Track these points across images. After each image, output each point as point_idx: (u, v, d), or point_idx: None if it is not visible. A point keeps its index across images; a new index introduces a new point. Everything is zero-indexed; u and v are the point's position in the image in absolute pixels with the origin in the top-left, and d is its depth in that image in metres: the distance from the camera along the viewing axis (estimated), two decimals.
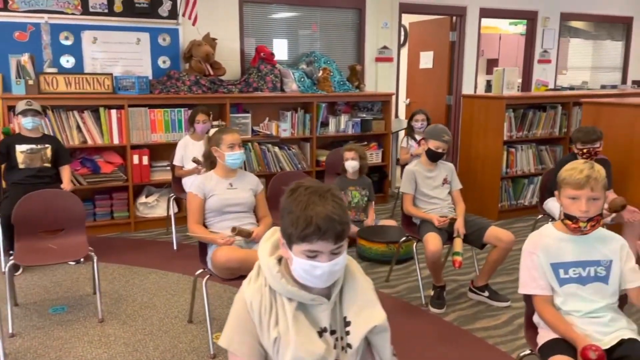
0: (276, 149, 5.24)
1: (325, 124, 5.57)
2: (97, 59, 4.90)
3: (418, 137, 5.09)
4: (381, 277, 3.74)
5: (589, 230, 1.94)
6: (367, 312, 1.40)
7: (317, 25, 5.93)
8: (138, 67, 5.03)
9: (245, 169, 5.04)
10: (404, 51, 8.01)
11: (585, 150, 3.61)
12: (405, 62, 7.82)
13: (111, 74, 4.64)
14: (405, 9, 6.32)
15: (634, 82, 7.71)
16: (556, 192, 2.03)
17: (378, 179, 5.81)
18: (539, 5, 7.08)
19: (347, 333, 1.40)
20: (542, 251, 1.97)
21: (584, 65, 8.40)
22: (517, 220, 5.14)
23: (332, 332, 1.39)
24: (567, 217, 1.94)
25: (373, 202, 4.54)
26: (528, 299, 2.06)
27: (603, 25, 7.91)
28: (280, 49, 5.75)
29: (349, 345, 1.39)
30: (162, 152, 4.80)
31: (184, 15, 5.00)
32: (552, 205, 3.83)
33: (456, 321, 3.10)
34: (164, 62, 5.14)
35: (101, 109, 4.57)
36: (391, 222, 4.46)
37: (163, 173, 4.79)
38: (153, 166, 4.81)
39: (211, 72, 5.05)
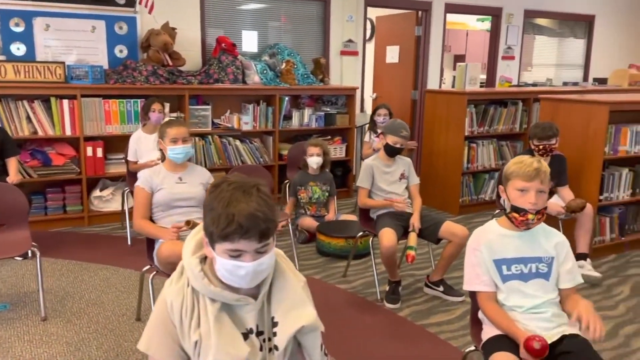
0: (237, 142, 5.14)
1: (288, 118, 5.50)
2: (49, 47, 4.71)
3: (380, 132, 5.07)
4: (339, 272, 3.70)
5: (535, 224, 1.93)
6: (295, 312, 1.35)
7: (281, 16, 5.84)
8: (93, 56, 4.86)
9: (205, 163, 4.98)
10: (371, 45, 8.00)
11: (541, 147, 3.63)
12: (372, 56, 7.81)
13: (63, 63, 4.47)
14: (370, 2, 6.28)
15: (595, 79, 7.85)
16: (501, 187, 2.01)
17: (342, 174, 5.78)
18: (503, 1, 7.13)
19: (275, 334, 1.34)
20: (485, 247, 1.96)
21: (548, 63, 8.51)
22: (477, 215, 5.17)
23: (259, 334, 1.34)
24: (515, 209, 1.92)
25: (334, 197, 4.51)
26: (473, 295, 2.04)
27: (566, 22, 8.03)
28: (243, 41, 5.65)
29: (275, 347, 1.34)
30: (118, 144, 4.65)
31: (140, 3, 4.85)
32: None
33: (410, 316, 3.09)
34: (120, 52, 4.98)
35: (52, 99, 4.40)
36: (352, 217, 4.43)
37: (118, 166, 4.65)
38: (108, 159, 4.66)
39: (170, 63, 4.92)
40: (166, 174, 2.76)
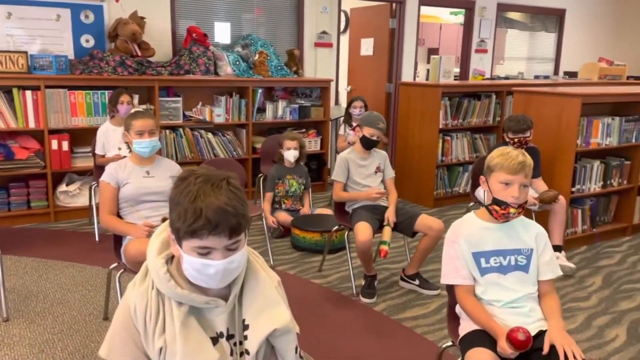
0: (210, 135, 5.03)
1: (262, 110, 5.40)
2: (12, 36, 4.51)
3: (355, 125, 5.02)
4: (314, 267, 3.65)
5: (515, 217, 1.91)
6: (267, 314, 1.28)
7: (255, 7, 5.73)
8: (58, 45, 4.68)
9: (177, 157, 4.86)
10: (346, 37, 7.94)
11: (516, 140, 3.64)
12: (346, 49, 7.75)
13: (26, 52, 4.28)
14: None
15: (565, 73, 7.96)
16: (482, 178, 1.98)
17: (317, 167, 5.72)
18: None
19: (246, 337, 1.27)
20: (464, 240, 1.93)
21: (520, 56, 8.60)
22: (452, 208, 5.18)
23: (230, 337, 1.26)
24: (497, 202, 1.90)
25: (309, 191, 4.45)
26: (451, 289, 2.01)
27: (538, 16, 8.11)
28: (215, 31, 5.52)
29: (246, 351, 1.27)
30: (85, 137, 4.49)
31: None
32: (481, 192, 3.85)
33: (386, 311, 3.06)
34: (87, 41, 4.80)
35: (14, 90, 4.21)
36: (327, 211, 4.38)
37: (85, 160, 4.50)
38: (74, 152, 4.50)
39: (139, 53, 4.77)
40: (133, 168, 2.65)
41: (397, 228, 3.26)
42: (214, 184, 1.16)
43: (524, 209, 1.92)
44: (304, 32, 6.01)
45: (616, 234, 4.39)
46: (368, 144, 3.34)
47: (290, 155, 4.28)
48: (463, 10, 7.44)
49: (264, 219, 3.67)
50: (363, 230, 3.03)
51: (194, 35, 5.02)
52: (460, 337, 1.91)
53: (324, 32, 6.11)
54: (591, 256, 3.98)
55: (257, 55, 5.33)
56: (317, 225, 3.95)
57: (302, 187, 4.38)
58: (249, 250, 1.34)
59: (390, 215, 3.22)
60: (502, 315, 1.86)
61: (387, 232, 3.13)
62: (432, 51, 9.76)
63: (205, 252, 1.17)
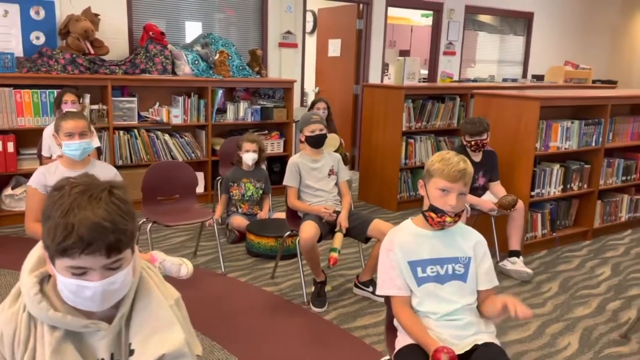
0: (167, 136, 4.87)
1: (222, 111, 5.26)
2: None
3: None
4: (268, 274, 3.53)
5: (450, 225, 1.82)
6: (157, 338, 1.15)
7: (218, 6, 5.59)
8: (5, 42, 4.48)
9: (131, 159, 4.69)
10: (314, 38, 7.85)
11: (473, 142, 3.58)
12: (314, 49, 7.65)
13: None
14: None
15: (533, 76, 7.98)
16: (421, 182, 1.89)
17: (279, 170, 5.59)
18: None
19: None
20: (400, 248, 1.83)
21: (491, 59, 8.61)
22: (416, 212, 5.00)
23: None
24: (433, 209, 1.81)
25: (269, 195, 4.33)
26: (388, 300, 1.91)
27: (507, 19, 8.12)
28: (174, 29, 5.37)
29: None
30: (32, 138, 4.28)
31: None
32: None
33: (336, 320, 2.95)
34: (37, 39, 4.60)
35: None
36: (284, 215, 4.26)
37: (33, 162, 4.28)
38: (21, 154, 4.30)
39: (91, 51, 4.59)
40: (63, 172, 2.49)
41: (350, 234, 3.16)
42: (92, 195, 1.04)
43: (460, 217, 1.84)
44: (268, 32, 5.89)
45: (577, 238, 4.36)
46: (316, 141, 3.24)
47: (249, 158, 4.16)
48: (432, 12, 7.39)
49: (215, 224, 3.53)
50: (307, 228, 2.93)
51: (150, 33, 4.86)
52: (395, 351, 1.81)
53: (289, 32, 6.00)
54: (550, 261, 3.93)
55: (217, 55, 5.19)
56: (273, 231, 3.83)
57: (260, 191, 4.26)
58: (143, 265, 1.21)
59: (342, 221, 3.11)
60: (438, 329, 1.76)
61: (338, 238, 3.03)
62: (404, 53, 9.75)
63: (80, 273, 1.04)
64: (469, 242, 1.88)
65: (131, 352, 1.14)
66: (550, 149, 3.95)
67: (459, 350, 1.69)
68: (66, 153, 2.49)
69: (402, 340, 1.81)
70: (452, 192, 1.77)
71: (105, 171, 2.60)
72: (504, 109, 3.92)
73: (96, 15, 4.69)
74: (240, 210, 4.22)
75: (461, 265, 1.84)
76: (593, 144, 4.18)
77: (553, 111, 4.10)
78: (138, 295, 1.17)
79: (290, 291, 3.29)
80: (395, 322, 1.91)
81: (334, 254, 2.89)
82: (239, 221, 4.08)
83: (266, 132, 5.50)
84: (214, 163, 5.08)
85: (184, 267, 2.32)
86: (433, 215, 1.81)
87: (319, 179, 3.28)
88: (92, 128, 3.92)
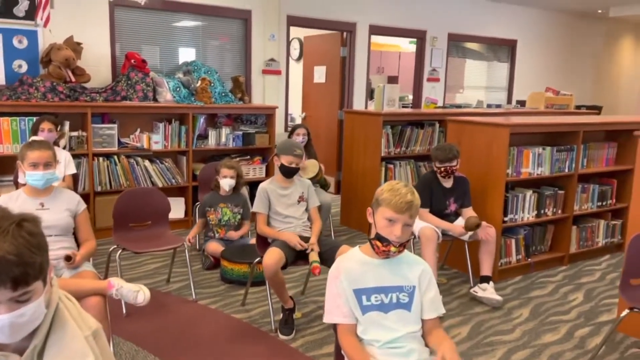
0: (147, 162, 4.91)
1: (204, 137, 5.31)
2: None
3: None
4: (239, 301, 3.52)
5: (395, 255, 1.85)
6: None
7: (202, 34, 5.71)
8: None
9: (111, 185, 4.71)
10: (301, 65, 7.97)
11: (442, 169, 3.62)
12: (300, 76, 7.77)
13: None
14: (293, 22, 6.23)
15: (517, 101, 8.08)
16: (369, 209, 1.92)
17: None
18: (427, 25, 7.26)
19: None
20: (346, 276, 1.85)
21: (478, 85, 8.73)
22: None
23: None
24: (379, 238, 1.83)
25: (248, 220, 4.34)
26: (335, 327, 1.92)
27: (492, 46, 8.26)
28: (158, 57, 5.46)
29: None
30: (10, 164, 4.30)
31: (36, 16, 4.59)
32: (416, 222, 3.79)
33: (302, 347, 2.94)
34: (19, 67, 4.68)
35: None
36: None
37: (10, 188, 4.29)
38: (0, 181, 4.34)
39: (72, 79, 4.67)
40: (25, 199, 2.52)
41: (319, 259, 3.16)
42: (0, 228, 1.06)
43: (405, 247, 1.86)
44: (252, 59, 5.99)
45: (553, 264, 4.37)
46: (287, 173, 3.27)
47: (225, 183, 4.20)
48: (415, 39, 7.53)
49: (186, 250, 3.53)
50: (270, 254, 2.94)
51: (132, 61, 4.94)
52: None
53: (272, 60, 6.10)
54: (524, 286, 3.93)
55: (199, 82, 5.26)
56: (246, 257, 3.82)
57: (238, 216, 4.28)
58: (61, 296, 1.23)
59: (313, 243, 3.12)
60: (381, 357, 1.77)
61: (313, 254, 3.03)
62: (392, 79, 9.90)
63: None
64: (415, 271, 1.89)
65: None
66: (522, 174, 3.99)
67: None
68: (29, 182, 2.51)
69: None
70: (398, 223, 1.79)
71: (68, 199, 2.62)
72: (476, 136, 3.97)
73: (78, 44, 4.78)
74: (217, 235, 4.23)
75: (405, 294, 1.86)
76: (566, 169, 4.22)
77: (526, 137, 4.16)
78: (53, 327, 1.18)
79: (260, 318, 3.28)
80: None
81: (316, 264, 2.91)
82: (214, 247, 4.09)
83: (248, 157, 5.54)
84: (194, 189, 5.11)
85: (141, 294, 2.33)
86: (379, 243, 1.83)
87: (288, 205, 3.30)
88: (67, 155, 3.99)
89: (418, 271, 1.89)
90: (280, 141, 3.47)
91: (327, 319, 1.88)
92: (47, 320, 1.17)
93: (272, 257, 2.92)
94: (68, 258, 2.44)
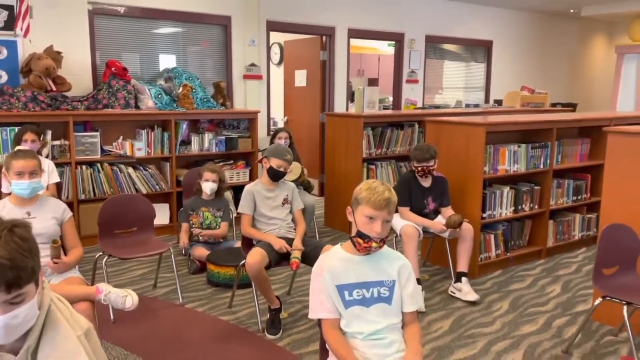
0: (130, 169, 4.93)
1: (187, 143, 5.35)
2: None
3: None
4: (226, 303, 3.57)
5: (375, 250, 1.93)
6: None
7: (182, 41, 5.75)
8: None
9: (94, 193, 4.72)
10: (282, 69, 8.04)
11: (420, 168, 3.72)
12: (282, 80, 7.84)
13: None
14: (272, 27, 6.30)
15: (495, 100, 8.25)
16: (349, 208, 2.00)
17: None
18: (404, 27, 7.39)
19: None
20: (329, 273, 1.92)
21: (458, 85, 8.88)
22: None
23: None
24: (360, 235, 1.91)
25: (227, 222, 4.39)
26: (320, 323, 1.99)
27: (469, 47, 8.42)
28: (139, 64, 5.49)
29: None
30: None
31: (15, 26, 4.59)
32: (395, 221, 3.88)
33: (289, 345, 3.00)
34: None
35: None
36: None
37: None
38: None
39: (53, 88, 4.68)
40: (12, 209, 2.55)
41: (303, 259, 3.23)
42: None
43: (384, 243, 1.94)
44: (233, 65, 6.05)
45: (531, 257, 4.49)
46: (275, 176, 3.34)
47: (207, 187, 4.25)
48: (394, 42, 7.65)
49: (172, 255, 3.57)
50: (253, 255, 3.01)
51: (113, 69, 4.96)
52: None
53: (253, 65, 6.16)
54: (504, 280, 4.04)
55: (181, 88, 5.30)
56: (232, 260, 3.87)
57: (220, 219, 4.33)
58: (53, 297, 1.28)
59: (297, 244, 3.19)
60: (363, 348, 1.85)
61: (296, 252, 3.10)
62: (372, 81, 10.01)
63: None
64: (394, 266, 1.97)
65: None
66: (499, 172, 4.11)
67: None
68: (15, 192, 2.54)
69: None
70: (378, 220, 1.88)
71: (54, 207, 2.66)
72: (453, 135, 4.08)
73: (59, 53, 4.78)
74: (201, 239, 4.27)
75: (386, 288, 1.93)
76: (541, 166, 4.35)
77: (502, 136, 4.28)
78: (45, 328, 1.24)
79: (247, 319, 3.34)
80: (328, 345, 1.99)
81: (296, 260, 2.99)
82: (200, 252, 4.13)
83: (231, 162, 5.59)
84: (179, 194, 5.14)
85: (129, 299, 2.37)
86: (360, 240, 1.91)
87: (273, 207, 3.37)
88: (50, 164, 4.01)
89: (397, 266, 1.97)
90: (271, 145, 3.55)
91: (312, 314, 1.95)
92: (40, 321, 1.22)
93: (255, 256, 2.99)
94: (55, 242, 2.45)
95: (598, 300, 2.76)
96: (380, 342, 1.85)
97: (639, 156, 3.03)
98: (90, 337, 1.31)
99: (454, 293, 3.68)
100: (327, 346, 1.99)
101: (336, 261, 1.96)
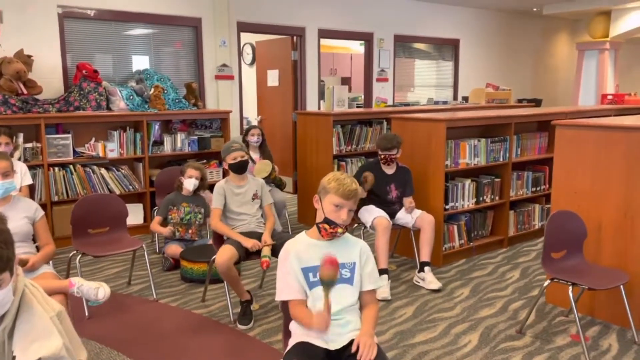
0: (103, 170, 4.99)
1: (159, 143, 5.43)
2: None
3: (252, 153, 5.15)
4: (199, 298, 3.68)
5: (340, 236, 2.08)
6: (37, 344, 1.34)
7: (153, 43, 5.82)
8: None
9: (68, 194, 4.78)
10: (254, 69, 8.15)
11: (383, 156, 3.92)
12: (254, 80, 7.95)
13: None
14: (243, 27, 6.41)
15: (463, 97, 8.49)
16: (316, 197, 2.14)
17: None
18: (373, 27, 7.56)
19: None
20: (294, 257, 2.06)
21: (429, 83, 9.10)
22: (350, 230, 5.35)
23: None
24: (327, 221, 2.06)
25: (208, 219, 4.49)
26: (285, 306, 2.13)
27: (438, 46, 8.65)
28: (111, 66, 5.54)
29: None
30: None
31: None
32: (365, 214, 4.04)
33: (259, 335, 3.14)
34: None
35: None
36: None
37: None
38: None
39: (24, 91, 4.72)
40: None
41: (274, 253, 3.36)
42: None
43: (347, 229, 2.10)
44: (204, 65, 6.14)
45: (494, 246, 4.70)
46: (238, 168, 3.46)
47: (190, 183, 4.35)
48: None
49: (145, 253, 3.65)
50: (222, 252, 3.13)
51: (84, 71, 5.02)
52: (284, 353, 2.03)
53: (224, 65, 6.26)
54: (467, 268, 4.24)
55: (152, 90, 5.38)
56: (205, 256, 3.98)
57: (199, 215, 4.42)
58: (27, 283, 1.40)
59: (266, 238, 3.32)
60: None
61: (265, 249, 3.23)
62: (345, 80, 10.17)
63: None
64: (355, 249, 2.13)
65: (13, 359, 1.32)
66: (460, 165, 4.30)
67: (338, 344, 1.93)
68: None
69: (290, 343, 2.03)
70: (344, 208, 2.04)
71: (26, 207, 2.74)
72: (416, 131, 4.26)
73: (29, 56, 4.82)
74: (177, 235, 4.35)
75: (347, 270, 2.09)
76: (501, 159, 4.56)
77: (464, 131, 4.47)
78: (20, 310, 1.36)
79: (219, 312, 3.46)
80: (291, 326, 2.13)
81: (266, 259, 3.12)
82: (174, 249, 4.23)
83: (204, 161, 5.68)
84: (152, 194, 5.22)
85: (102, 290, 2.48)
86: (327, 226, 2.07)
87: (243, 203, 3.49)
88: (23, 167, 4.06)
89: (357, 249, 2.13)
90: (224, 145, 3.64)
91: (279, 296, 2.09)
92: (15, 304, 1.34)
93: (224, 254, 3.11)
94: (22, 263, 2.55)
95: (547, 282, 2.96)
96: (338, 321, 2.00)
97: (584, 147, 3.24)
98: (63, 319, 1.43)
99: (418, 282, 3.86)
100: (291, 328, 2.13)
101: (302, 246, 2.11)
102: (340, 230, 2.06)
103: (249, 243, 3.22)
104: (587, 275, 2.95)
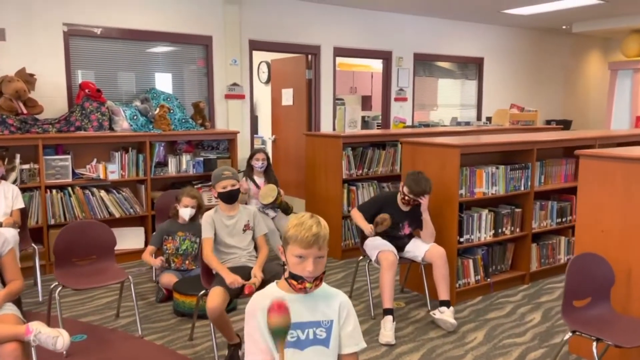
0: (102, 192, 4.82)
1: (163, 164, 5.25)
2: None
3: (257, 178, 4.92)
4: (188, 335, 3.41)
5: (312, 290, 1.79)
6: None
7: (161, 62, 5.68)
8: None
9: (65, 217, 4.62)
10: (269, 88, 7.97)
11: (407, 198, 3.59)
12: (269, 99, 7.77)
13: None
14: (255, 46, 6.23)
15: (487, 118, 8.11)
16: (280, 247, 1.87)
17: None
18: (392, 45, 7.30)
19: None
20: (262, 313, 1.78)
21: (453, 103, 8.76)
22: (362, 260, 5.04)
23: None
24: (293, 276, 1.78)
25: None
26: None
27: (461, 65, 8.32)
28: (116, 85, 5.41)
29: None
30: None
31: None
32: (370, 246, 3.74)
33: None
34: None
35: None
36: None
37: None
38: None
39: (24, 111, 4.60)
40: None
41: (263, 286, 3.08)
42: None
43: (321, 280, 1.81)
44: (214, 85, 5.97)
45: (515, 282, 4.32)
46: (228, 197, 3.21)
47: (185, 213, 4.10)
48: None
49: (132, 285, 3.41)
50: (214, 296, 2.86)
51: (86, 90, 4.89)
52: None
53: (235, 84, 6.08)
54: (482, 308, 3.87)
55: (157, 109, 5.22)
56: (198, 289, 3.72)
57: (196, 245, 4.18)
58: None
59: (257, 272, 3.05)
60: None
61: (253, 280, 2.96)
62: (365, 98, 9.91)
63: None
64: (333, 304, 1.84)
65: None
66: (477, 194, 3.96)
67: None
68: None
69: None
70: (309, 258, 1.75)
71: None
72: (428, 157, 3.95)
73: (31, 75, 4.72)
74: (173, 265, 4.12)
75: (323, 329, 1.80)
76: (522, 187, 4.20)
77: (481, 157, 4.13)
78: None
79: (206, 353, 3.19)
80: None
81: (251, 285, 2.87)
82: (168, 279, 3.99)
83: (210, 183, 5.46)
84: (154, 218, 5.01)
85: (60, 340, 2.23)
86: (294, 282, 1.79)
87: (233, 235, 3.24)
88: (14, 190, 3.91)
89: (336, 304, 1.84)
90: (214, 171, 3.40)
91: (247, 358, 1.81)
92: None
93: (214, 299, 2.84)
94: None
95: (568, 335, 2.59)
96: None
97: (612, 181, 2.88)
98: None
99: (435, 315, 3.52)
100: None
101: (269, 301, 1.82)
102: (308, 284, 1.76)
103: (230, 279, 2.93)
104: (615, 327, 2.57)
